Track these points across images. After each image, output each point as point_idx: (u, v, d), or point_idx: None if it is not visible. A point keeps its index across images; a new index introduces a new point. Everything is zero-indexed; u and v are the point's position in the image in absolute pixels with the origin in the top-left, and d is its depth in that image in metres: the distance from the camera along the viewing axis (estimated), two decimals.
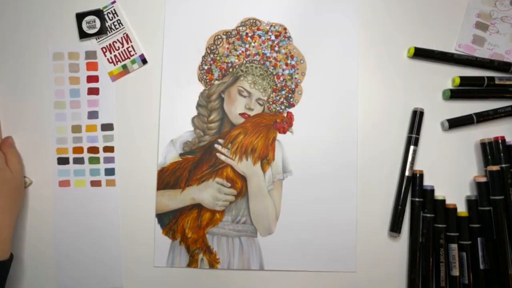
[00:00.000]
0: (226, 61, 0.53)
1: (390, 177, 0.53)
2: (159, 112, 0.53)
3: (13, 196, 0.47)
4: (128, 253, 0.52)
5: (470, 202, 0.51)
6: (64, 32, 0.54)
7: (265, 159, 0.53)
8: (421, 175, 0.52)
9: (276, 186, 0.52)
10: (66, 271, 0.52)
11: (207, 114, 0.53)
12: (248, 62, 0.53)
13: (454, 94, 0.53)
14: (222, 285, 0.52)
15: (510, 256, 0.49)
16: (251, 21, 0.54)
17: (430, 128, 0.53)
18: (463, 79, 0.52)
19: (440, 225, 0.50)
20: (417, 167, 0.52)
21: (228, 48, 0.53)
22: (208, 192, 0.52)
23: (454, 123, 0.52)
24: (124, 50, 0.53)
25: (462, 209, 0.52)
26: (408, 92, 0.53)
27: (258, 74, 0.53)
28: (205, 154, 0.53)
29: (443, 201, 0.51)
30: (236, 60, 0.53)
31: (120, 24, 0.53)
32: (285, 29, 0.53)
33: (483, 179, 0.50)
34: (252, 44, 0.53)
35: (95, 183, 0.53)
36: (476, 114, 0.52)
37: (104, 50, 0.53)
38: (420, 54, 0.53)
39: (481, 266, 0.50)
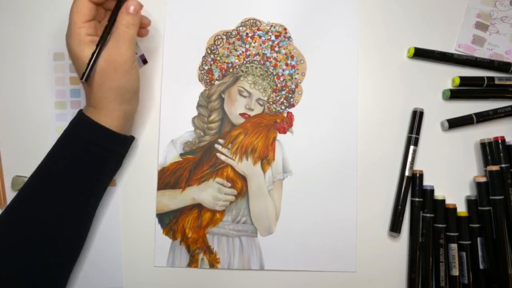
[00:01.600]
0: (226, 61, 0.53)
1: (390, 177, 0.53)
2: (160, 112, 0.53)
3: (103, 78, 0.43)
4: (128, 253, 0.52)
5: (470, 202, 0.51)
6: (64, 33, 0.53)
7: (265, 159, 0.53)
8: (421, 175, 0.52)
9: (276, 186, 0.52)
10: None
11: (207, 114, 0.53)
12: (248, 62, 0.53)
13: (454, 94, 0.53)
14: (222, 285, 0.52)
15: (510, 256, 0.49)
16: (251, 21, 0.54)
17: (430, 128, 0.53)
18: (463, 79, 0.53)
19: (440, 225, 0.50)
20: (417, 167, 0.52)
21: (228, 48, 0.53)
22: (209, 192, 0.52)
23: (454, 123, 0.52)
24: None
25: (462, 209, 0.52)
26: (408, 92, 0.53)
27: (258, 74, 0.53)
28: (205, 154, 0.53)
29: (443, 201, 0.51)
30: (236, 60, 0.53)
31: None
32: (285, 29, 0.53)
33: (483, 179, 0.50)
34: (252, 44, 0.53)
35: None
36: (476, 114, 0.52)
37: None
38: (420, 54, 0.53)
39: (481, 266, 0.50)
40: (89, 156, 0.45)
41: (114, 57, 0.43)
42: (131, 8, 0.44)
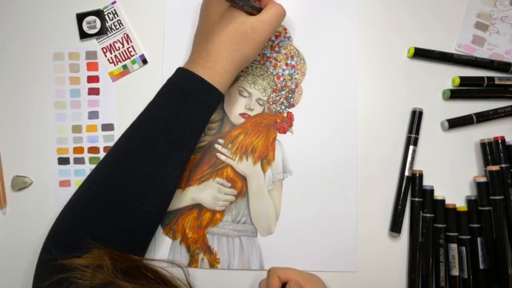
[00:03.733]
0: None
1: (390, 177, 0.53)
2: None
3: (239, 40, 0.44)
4: None
5: (470, 202, 0.51)
6: (64, 33, 0.54)
7: (265, 159, 0.53)
8: (421, 175, 0.52)
9: (276, 186, 0.52)
10: None
11: None
12: None
13: (454, 94, 0.53)
14: (222, 285, 0.52)
15: (510, 256, 0.49)
16: None
17: (430, 128, 0.53)
18: (463, 79, 0.53)
19: (439, 225, 0.50)
20: (416, 167, 0.52)
21: None
22: (208, 192, 0.52)
23: (454, 123, 0.52)
24: (124, 50, 0.53)
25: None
26: (408, 92, 0.53)
27: (258, 74, 0.53)
28: (205, 154, 0.53)
29: (443, 201, 0.51)
30: None
31: (121, 24, 0.53)
32: (285, 29, 0.53)
33: (483, 179, 0.50)
34: None
35: None
36: (476, 114, 0.52)
37: (105, 50, 0.53)
38: (420, 54, 0.53)
39: (481, 266, 0.50)
40: (194, 111, 0.44)
41: (261, 29, 0.45)
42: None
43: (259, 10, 0.46)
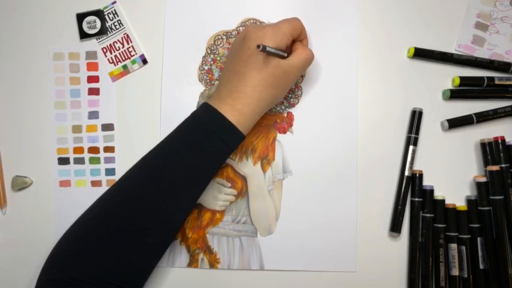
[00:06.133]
0: None
1: (390, 177, 0.53)
2: (160, 112, 0.53)
3: (272, 83, 0.45)
4: None
5: (470, 202, 0.51)
6: (64, 33, 0.54)
7: (265, 159, 0.53)
8: (421, 175, 0.52)
9: (276, 186, 0.52)
10: None
11: None
12: None
13: (454, 94, 0.53)
14: (222, 285, 0.52)
15: (510, 256, 0.49)
16: (251, 21, 0.54)
17: (430, 128, 0.53)
18: (463, 79, 0.53)
19: (439, 225, 0.50)
20: (416, 167, 0.52)
21: (228, 48, 0.53)
22: (208, 192, 0.52)
23: (454, 123, 0.52)
24: (124, 50, 0.53)
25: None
26: (408, 92, 0.53)
27: None
28: None
29: (443, 201, 0.51)
30: None
31: (121, 25, 0.53)
32: None
33: (483, 179, 0.50)
34: None
35: (96, 183, 0.53)
36: (476, 114, 0.52)
37: (105, 50, 0.53)
38: (420, 54, 0.53)
39: (481, 266, 0.50)
40: (214, 150, 0.45)
41: (292, 73, 0.46)
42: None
43: (288, 54, 0.47)
